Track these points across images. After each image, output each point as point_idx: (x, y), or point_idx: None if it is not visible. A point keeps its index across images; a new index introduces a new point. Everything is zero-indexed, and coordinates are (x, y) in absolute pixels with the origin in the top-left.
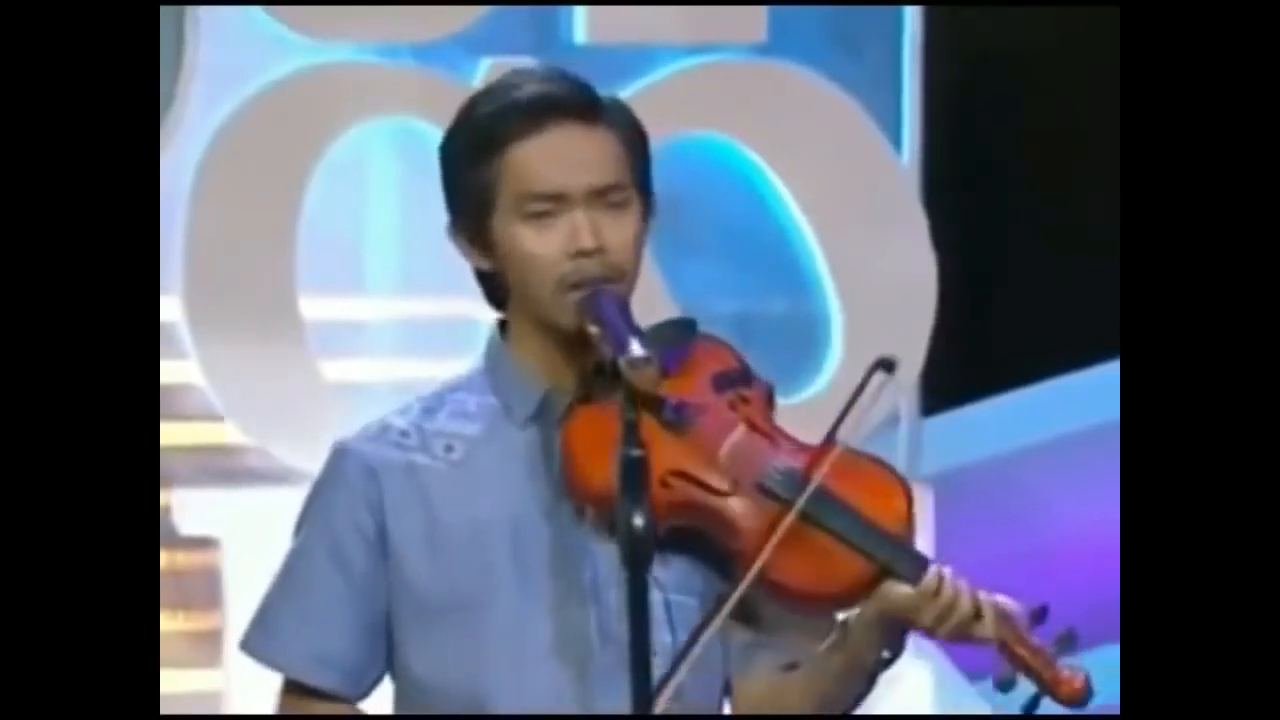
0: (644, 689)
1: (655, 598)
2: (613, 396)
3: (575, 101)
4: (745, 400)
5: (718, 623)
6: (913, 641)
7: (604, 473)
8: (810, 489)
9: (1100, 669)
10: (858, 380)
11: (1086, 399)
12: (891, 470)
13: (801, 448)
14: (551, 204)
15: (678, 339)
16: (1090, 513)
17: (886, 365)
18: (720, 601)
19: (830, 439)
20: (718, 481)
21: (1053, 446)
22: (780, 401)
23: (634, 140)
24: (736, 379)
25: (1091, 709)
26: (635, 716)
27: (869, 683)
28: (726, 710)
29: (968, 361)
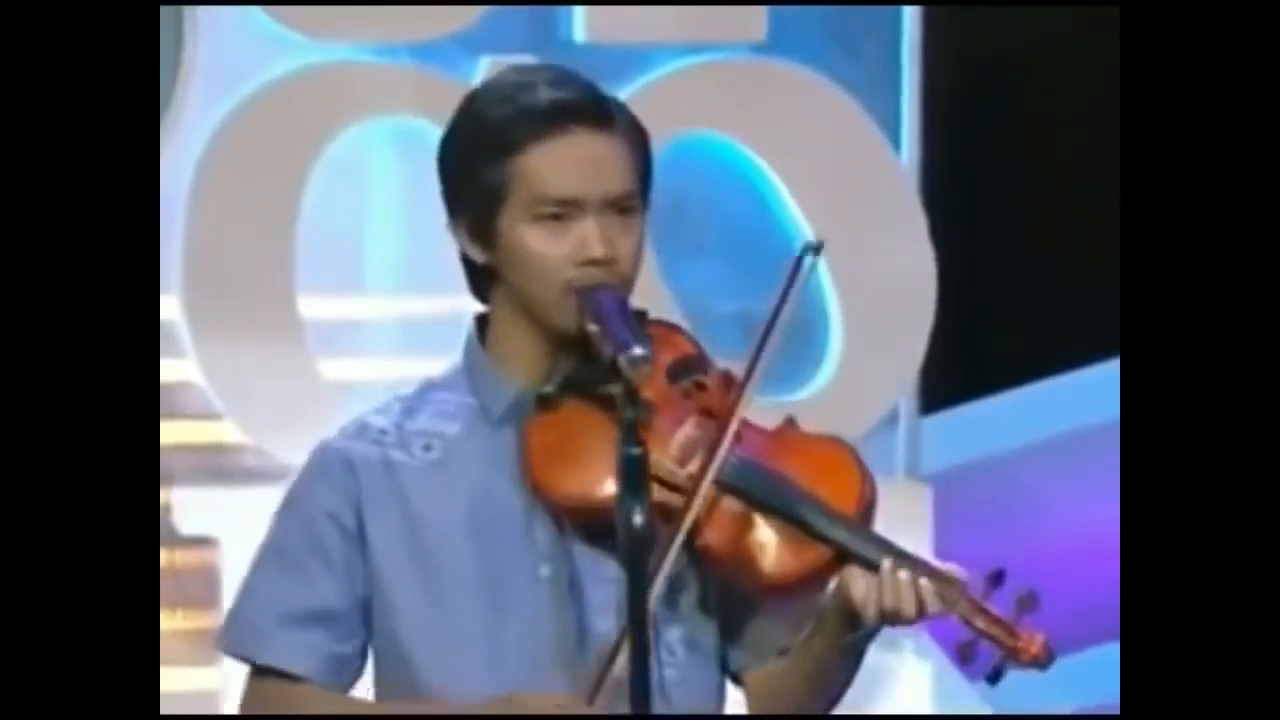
0: (643, 688)
1: None
2: (579, 398)
3: (590, 107)
4: (701, 387)
5: (667, 568)
6: (913, 641)
7: (571, 477)
8: (724, 448)
9: (1100, 669)
10: (858, 380)
11: (1086, 398)
12: (846, 448)
13: (761, 432)
14: (565, 209)
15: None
16: (1090, 512)
17: (815, 249)
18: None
19: (770, 327)
20: (676, 476)
21: (1052, 446)
22: (780, 400)
23: (640, 144)
24: (693, 366)
25: (1091, 709)
26: (635, 716)
27: (856, 658)
28: (726, 709)
29: (967, 360)
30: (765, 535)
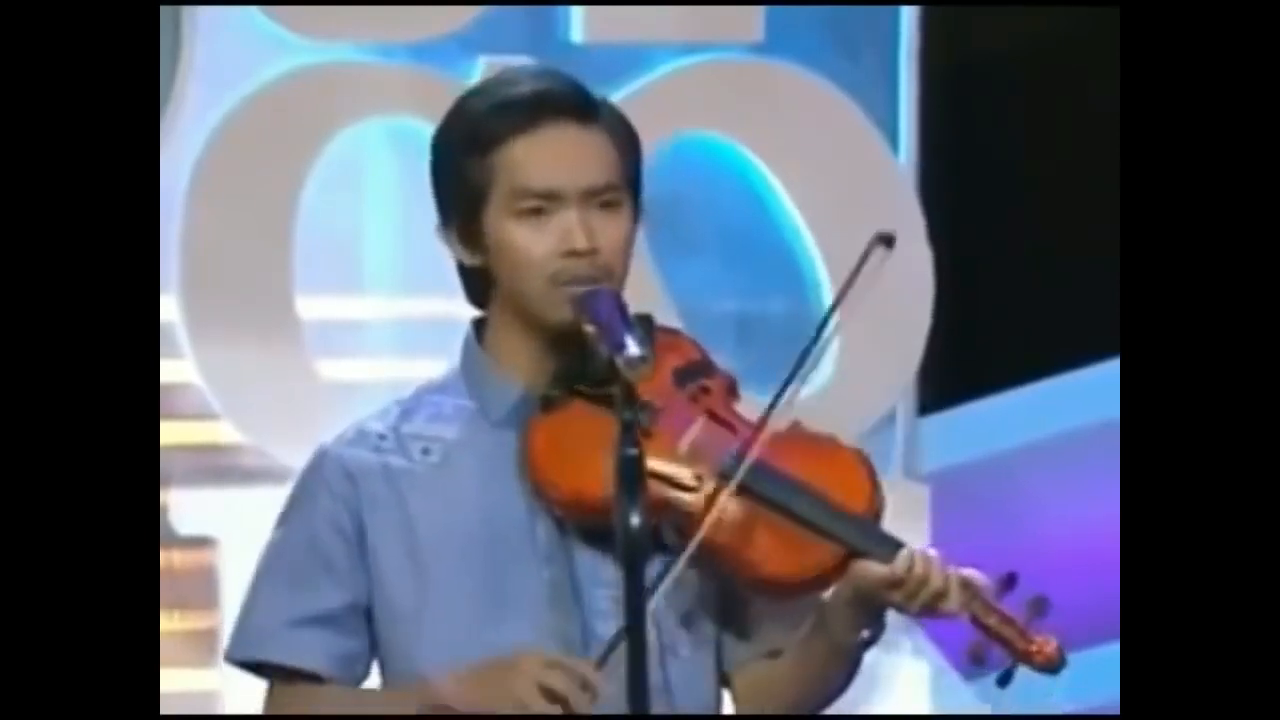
0: (641, 688)
1: None
2: (584, 399)
3: (572, 101)
4: (707, 391)
5: (670, 580)
6: (911, 640)
7: (574, 478)
8: (749, 460)
9: (1100, 669)
10: (856, 380)
11: (1085, 398)
12: (856, 451)
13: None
14: (545, 202)
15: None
16: (1089, 512)
17: (886, 240)
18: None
19: (832, 310)
20: (683, 476)
21: (1051, 445)
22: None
23: (627, 143)
24: (698, 371)
25: (1091, 709)
26: (634, 716)
27: (853, 665)
28: (725, 707)
29: (965, 360)
30: (774, 534)
